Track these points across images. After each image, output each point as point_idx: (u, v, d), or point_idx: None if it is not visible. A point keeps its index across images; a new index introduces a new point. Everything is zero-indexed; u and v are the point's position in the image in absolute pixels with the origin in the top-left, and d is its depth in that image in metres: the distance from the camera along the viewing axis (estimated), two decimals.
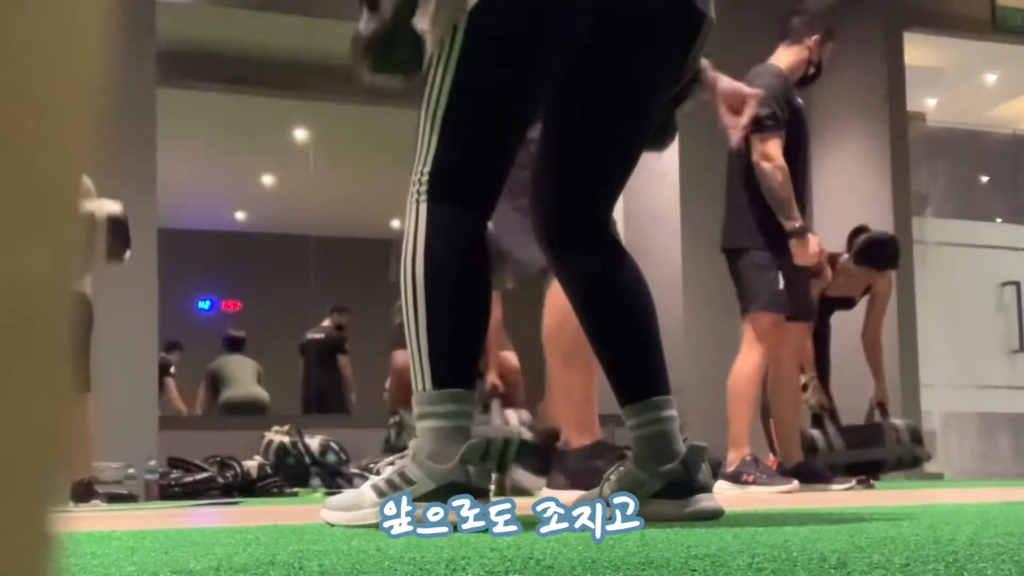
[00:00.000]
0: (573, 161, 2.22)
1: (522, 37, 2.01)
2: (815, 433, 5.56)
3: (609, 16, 2.07)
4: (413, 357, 1.98)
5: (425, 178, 2.04)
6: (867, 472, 5.50)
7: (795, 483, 4.75)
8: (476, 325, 2.03)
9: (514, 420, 4.68)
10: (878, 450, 5.58)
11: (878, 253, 5.87)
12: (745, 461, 4.63)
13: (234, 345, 10.57)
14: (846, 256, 5.89)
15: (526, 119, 2.11)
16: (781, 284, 4.80)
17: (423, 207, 2.03)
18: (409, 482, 1.94)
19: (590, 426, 3.12)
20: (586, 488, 3.00)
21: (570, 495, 3.00)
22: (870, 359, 6.02)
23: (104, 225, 4.75)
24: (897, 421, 5.80)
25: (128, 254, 4.97)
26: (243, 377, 10.23)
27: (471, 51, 1.99)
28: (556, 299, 3.07)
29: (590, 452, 3.10)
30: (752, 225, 4.79)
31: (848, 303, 6.04)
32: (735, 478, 4.66)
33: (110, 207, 4.83)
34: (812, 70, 5.03)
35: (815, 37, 4.99)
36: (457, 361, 1.99)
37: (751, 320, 4.79)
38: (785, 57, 4.97)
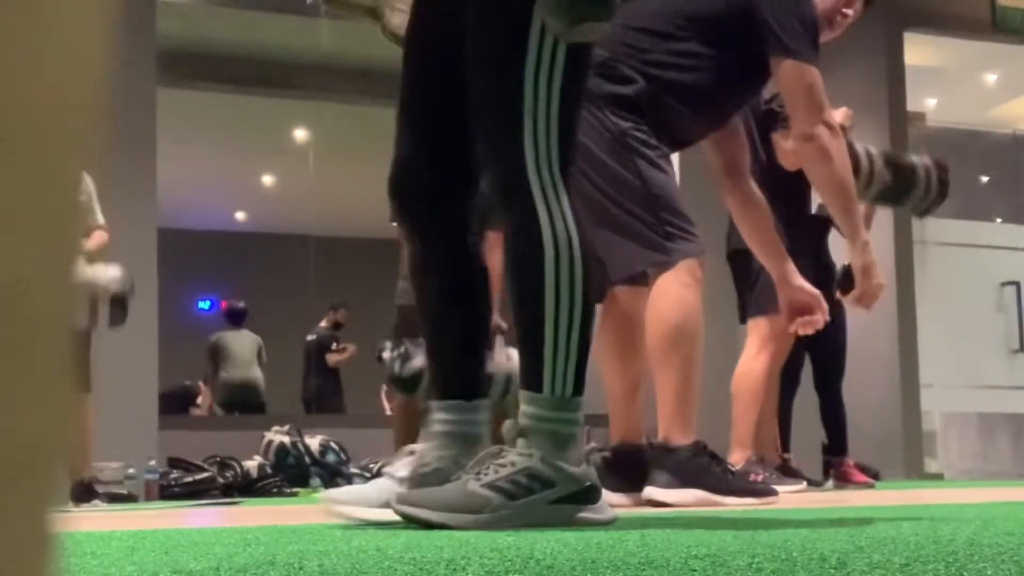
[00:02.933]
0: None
1: None
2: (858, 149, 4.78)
3: None
4: (547, 359, 1.96)
5: (558, 171, 2.00)
6: (897, 198, 4.77)
7: (803, 484, 4.74)
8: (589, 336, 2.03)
9: (516, 357, 4.59)
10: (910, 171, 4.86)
11: None
12: (751, 461, 4.60)
13: (235, 318, 10.36)
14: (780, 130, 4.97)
15: None
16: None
17: (564, 199, 2.00)
18: (547, 484, 1.93)
19: (692, 424, 3.14)
20: (693, 487, 3.03)
21: (676, 494, 3.00)
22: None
23: (106, 296, 4.75)
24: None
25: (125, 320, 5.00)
26: (242, 354, 10.12)
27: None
28: (654, 296, 3.11)
29: (694, 450, 3.11)
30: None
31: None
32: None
33: (110, 275, 4.82)
34: None
35: None
36: (581, 369, 2.00)
37: (770, 321, 4.71)
38: None
